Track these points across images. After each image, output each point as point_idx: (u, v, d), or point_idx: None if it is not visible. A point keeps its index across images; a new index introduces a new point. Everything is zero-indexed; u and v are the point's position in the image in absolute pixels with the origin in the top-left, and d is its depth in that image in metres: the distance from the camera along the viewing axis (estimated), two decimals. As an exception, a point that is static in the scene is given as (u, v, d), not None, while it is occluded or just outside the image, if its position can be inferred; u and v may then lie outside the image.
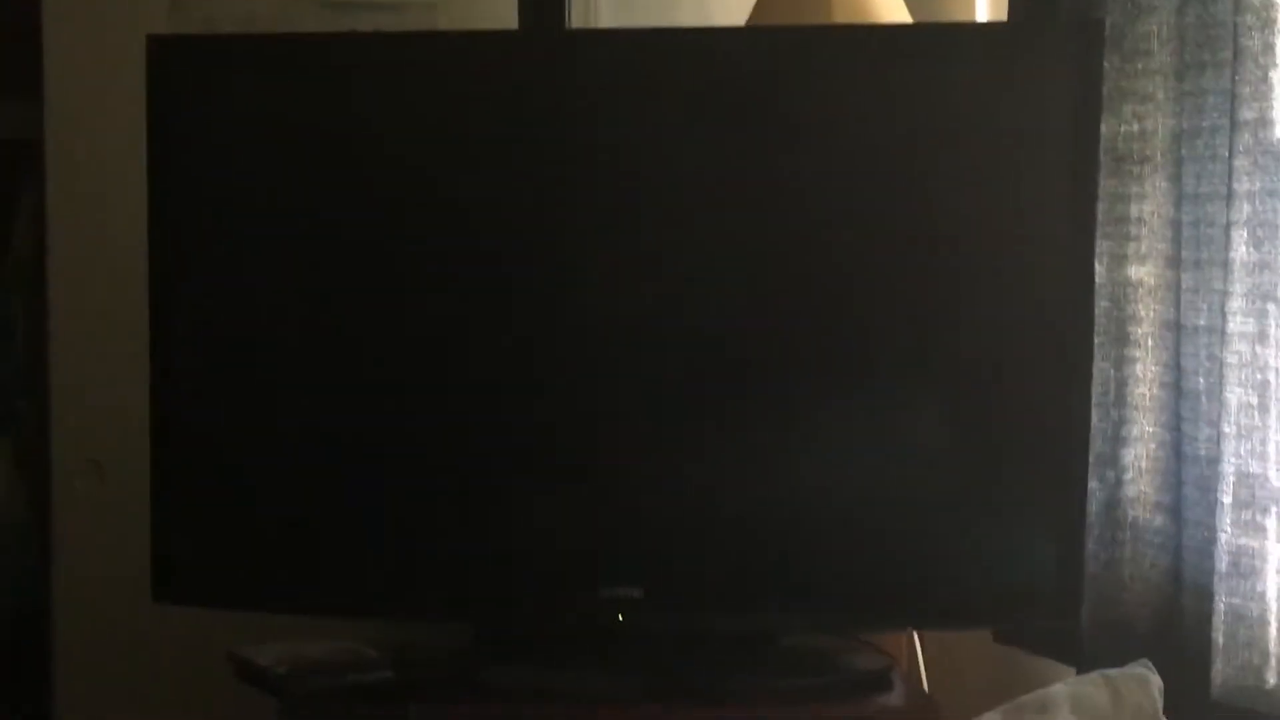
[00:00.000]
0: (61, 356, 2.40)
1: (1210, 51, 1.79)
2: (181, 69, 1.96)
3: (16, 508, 2.65)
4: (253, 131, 1.97)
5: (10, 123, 2.60)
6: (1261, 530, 1.73)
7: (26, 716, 2.54)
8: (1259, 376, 1.73)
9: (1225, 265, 1.74)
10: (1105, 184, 1.92)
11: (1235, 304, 1.73)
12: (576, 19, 2.50)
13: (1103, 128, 1.90)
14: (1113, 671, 1.54)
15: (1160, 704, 1.53)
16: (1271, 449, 1.72)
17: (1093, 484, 1.94)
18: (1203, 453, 1.81)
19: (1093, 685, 1.52)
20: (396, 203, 1.95)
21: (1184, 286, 1.84)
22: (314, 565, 1.96)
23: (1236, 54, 1.72)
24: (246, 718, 1.95)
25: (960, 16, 2.34)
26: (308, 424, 1.96)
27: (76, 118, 2.38)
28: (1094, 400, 1.92)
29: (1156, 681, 1.54)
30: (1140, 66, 1.89)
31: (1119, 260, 1.93)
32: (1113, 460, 1.94)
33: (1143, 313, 1.92)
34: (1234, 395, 1.73)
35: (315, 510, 1.95)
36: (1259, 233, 1.72)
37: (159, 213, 1.95)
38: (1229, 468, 1.73)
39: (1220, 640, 1.73)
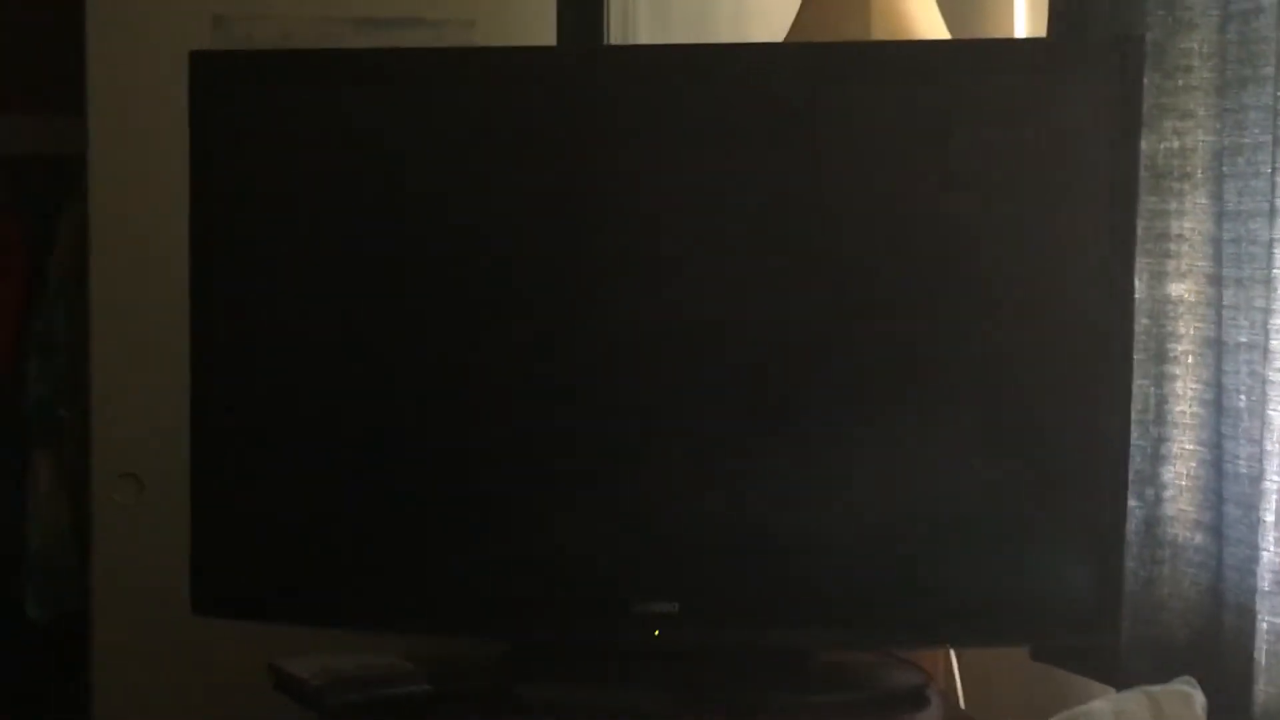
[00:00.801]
0: (103, 370, 2.42)
1: (1252, 67, 1.78)
2: (224, 84, 1.97)
3: (58, 519, 2.66)
4: (294, 146, 1.98)
5: (54, 138, 2.63)
6: (1304, 549, 1.71)
7: (66, 727, 2.56)
8: (1301, 394, 1.71)
9: (1268, 282, 1.73)
10: (1145, 200, 1.91)
11: (1278, 321, 1.71)
12: (614, 35, 2.50)
13: (1143, 144, 1.89)
14: (1155, 688, 1.53)
15: (1203, 721, 1.52)
16: (1313, 467, 1.71)
17: (1132, 502, 1.92)
18: (1244, 470, 1.79)
19: (1135, 702, 1.50)
20: (436, 218, 1.95)
21: (1225, 303, 1.83)
22: (351, 579, 1.96)
23: (1279, 70, 1.71)
24: (284, 730, 1.96)
25: (999, 33, 2.34)
26: (347, 439, 1.96)
27: (120, 134, 2.40)
28: (1134, 418, 1.91)
29: (1200, 699, 1.52)
30: (1181, 83, 1.89)
31: (1159, 277, 1.92)
32: (1152, 478, 1.93)
33: (1183, 330, 1.90)
34: (1276, 413, 1.71)
35: (353, 524, 1.96)
36: (1301, 250, 1.71)
37: (201, 228, 1.96)
38: (1272, 485, 1.72)
39: (1262, 659, 1.71)
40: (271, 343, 1.98)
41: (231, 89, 1.97)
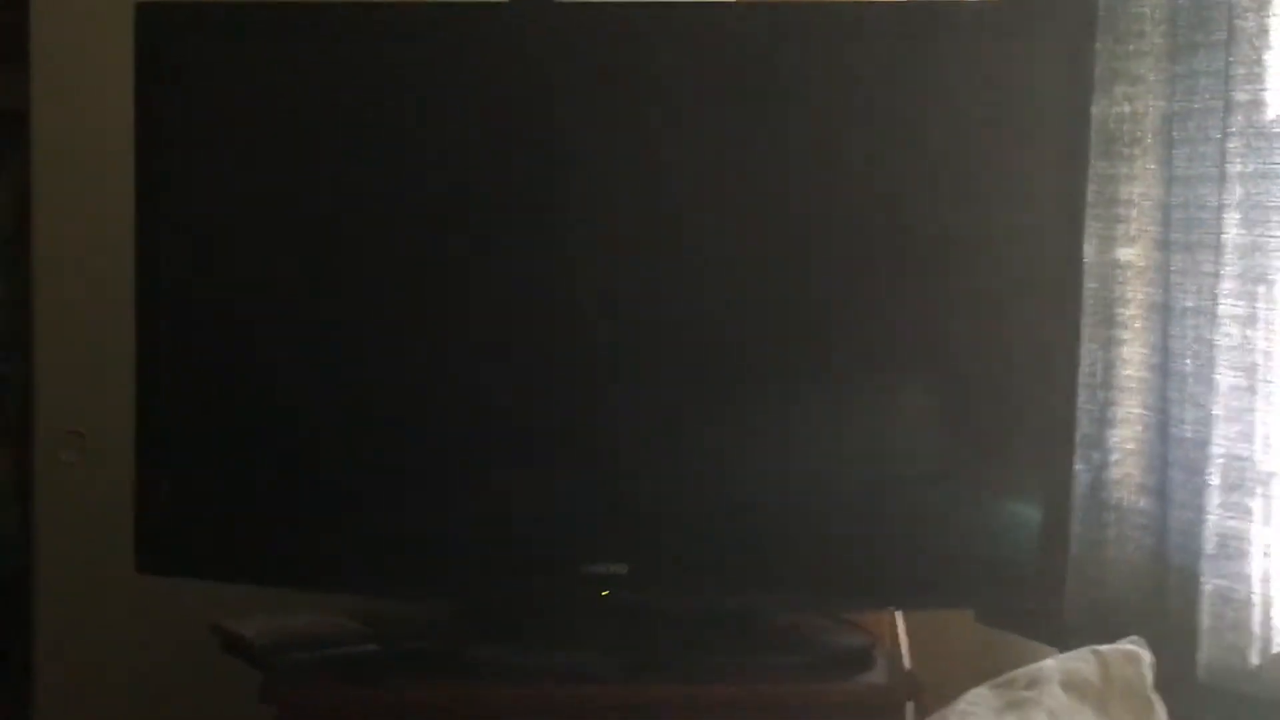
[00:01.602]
0: (46, 327, 2.39)
1: (1204, 33, 1.78)
2: (170, 37, 1.94)
3: (1, 477, 2.64)
4: (240, 101, 1.96)
5: (-4, 91, 2.59)
6: (1248, 512, 1.73)
7: (7, 687, 2.54)
8: (1248, 359, 1.73)
9: (1216, 248, 1.74)
10: (1095, 165, 1.92)
11: (1226, 286, 1.73)
12: (569, -9, 2.48)
13: (1093, 109, 1.89)
14: (1103, 647, 1.55)
15: (1151, 680, 1.53)
16: (1259, 432, 1.73)
17: (1078, 465, 1.94)
18: (1189, 435, 1.81)
19: (1083, 660, 1.52)
20: (385, 173, 1.94)
21: (1173, 269, 1.84)
22: (298, 539, 1.95)
23: (1231, 36, 1.71)
24: (230, 689, 1.95)
25: (952, -4, 2.33)
26: (292, 397, 1.95)
27: (63, 87, 2.36)
28: (1081, 381, 1.93)
29: (1148, 658, 1.54)
30: (1132, 48, 1.89)
31: (1108, 242, 1.93)
32: (1099, 442, 1.95)
33: (1131, 294, 1.92)
34: (1223, 378, 1.73)
35: (299, 484, 1.94)
36: (1251, 215, 1.72)
37: (146, 182, 1.94)
38: (1217, 450, 1.74)
39: (1206, 622, 1.73)
40: (217, 299, 1.96)
41: (178, 41, 1.95)
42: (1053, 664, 1.52)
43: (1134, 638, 1.58)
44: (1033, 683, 1.48)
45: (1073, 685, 1.48)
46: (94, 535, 2.30)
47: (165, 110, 1.94)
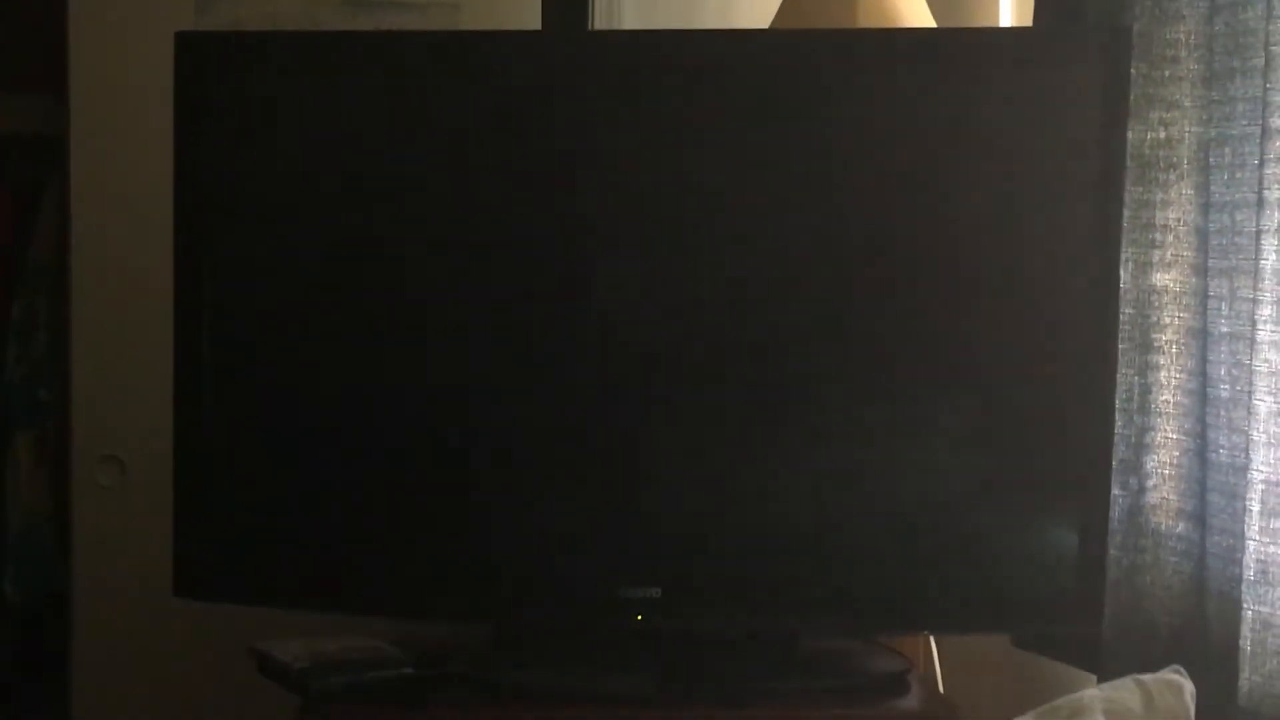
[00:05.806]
0: (83, 351, 2.41)
1: (1240, 59, 1.78)
2: (209, 66, 1.96)
3: (39, 501, 2.65)
4: (277, 129, 1.97)
5: (35, 118, 2.61)
6: (1288, 538, 1.72)
7: (45, 709, 2.55)
8: (1286, 384, 1.72)
9: (1254, 273, 1.73)
10: (1131, 191, 1.92)
11: (1265, 311, 1.72)
12: (600, 20, 2.50)
13: (1129, 135, 1.90)
14: (1146, 677, 1.54)
15: (1193, 710, 1.53)
16: (1298, 457, 1.72)
17: (1115, 491, 1.93)
18: (1227, 460, 1.80)
19: (1126, 690, 1.52)
20: (419, 201, 1.95)
21: (1210, 294, 1.84)
22: (335, 563, 1.96)
23: (1268, 62, 1.71)
24: (267, 713, 1.96)
25: (985, 22, 2.34)
26: (330, 421, 1.96)
27: (101, 114, 2.39)
28: (1118, 407, 1.92)
29: (1189, 687, 1.54)
30: (1167, 73, 1.89)
31: (1144, 267, 1.93)
32: (1136, 467, 1.94)
33: (1167, 320, 1.91)
34: (1263, 403, 1.72)
35: (337, 508, 1.95)
36: (1289, 241, 1.72)
37: (184, 209, 1.95)
38: (1257, 475, 1.73)
39: (1248, 648, 1.72)
40: (254, 325, 1.98)
41: (216, 70, 1.96)
42: (1095, 693, 1.52)
43: (1175, 667, 1.57)
44: (1075, 712, 1.48)
45: (1116, 715, 1.48)
46: (131, 559, 2.31)
47: (204, 138, 1.95)
